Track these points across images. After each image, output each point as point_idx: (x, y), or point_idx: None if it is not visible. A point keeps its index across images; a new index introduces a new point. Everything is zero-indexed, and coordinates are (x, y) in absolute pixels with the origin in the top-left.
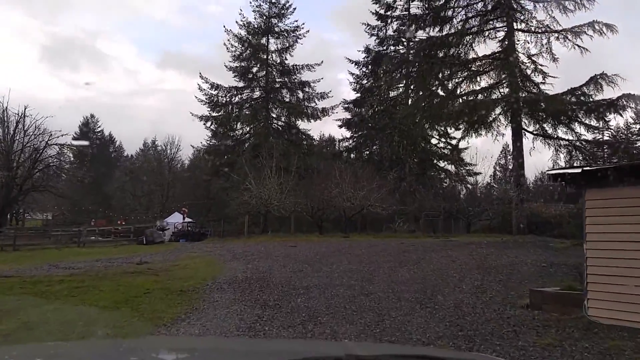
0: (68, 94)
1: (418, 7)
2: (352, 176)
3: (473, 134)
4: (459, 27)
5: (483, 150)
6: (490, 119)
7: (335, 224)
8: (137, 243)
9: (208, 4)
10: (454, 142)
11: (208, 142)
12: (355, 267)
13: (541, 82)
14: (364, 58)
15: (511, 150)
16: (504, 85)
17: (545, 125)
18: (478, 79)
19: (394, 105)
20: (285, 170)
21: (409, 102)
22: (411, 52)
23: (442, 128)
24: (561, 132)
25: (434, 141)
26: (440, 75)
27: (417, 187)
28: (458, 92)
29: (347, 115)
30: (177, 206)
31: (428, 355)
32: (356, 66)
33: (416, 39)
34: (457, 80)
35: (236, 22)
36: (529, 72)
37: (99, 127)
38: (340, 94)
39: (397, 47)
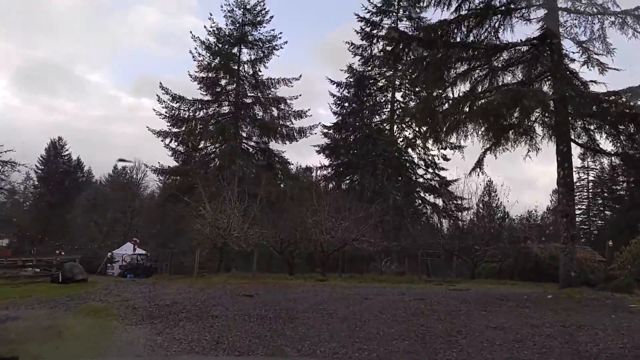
0: (41, 117)
1: (406, 27)
2: (332, 204)
3: (499, 146)
4: (481, 6)
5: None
6: (533, 118)
7: (309, 261)
8: (51, 281)
9: (186, 33)
10: (442, 173)
11: (169, 162)
12: (344, 353)
13: (591, 81)
14: (346, 79)
15: (557, 168)
16: (544, 81)
17: (597, 136)
18: (505, 75)
19: (378, 130)
20: (252, 196)
21: (395, 128)
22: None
23: (455, 139)
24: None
25: (420, 172)
26: (454, 70)
27: (403, 222)
28: (479, 90)
29: (326, 141)
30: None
31: None
32: (337, 87)
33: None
34: (476, 77)
35: (205, 27)
36: (575, 65)
37: (67, 150)
38: (318, 117)
39: (382, 70)
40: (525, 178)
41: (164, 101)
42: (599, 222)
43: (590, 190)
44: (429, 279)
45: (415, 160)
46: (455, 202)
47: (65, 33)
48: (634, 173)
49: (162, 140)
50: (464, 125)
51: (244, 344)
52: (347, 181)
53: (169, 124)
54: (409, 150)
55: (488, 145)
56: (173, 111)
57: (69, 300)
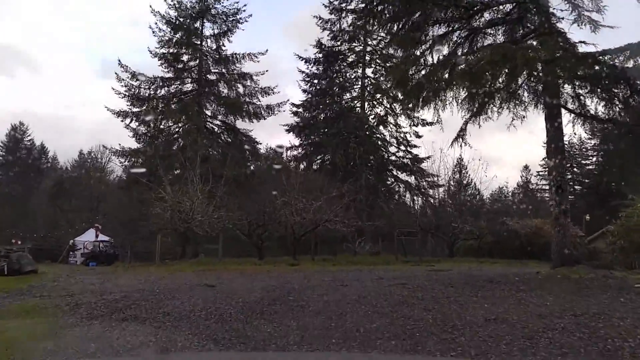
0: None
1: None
2: (303, 183)
3: (482, 114)
4: None
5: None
6: (519, 82)
7: (280, 244)
8: None
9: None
10: (414, 150)
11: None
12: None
13: (580, 42)
14: (315, 54)
15: (546, 136)
16: (530, 42)
17: (588, 102)
18: (486, 37)
19: (348, 108)
20: (219, 178)
21: (366, 106)
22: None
23: (433, 109)
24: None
25: (392, 149)
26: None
27: (376, 201)
28: (459, 53)
29: (296, 120)
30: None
31: None
32: (306, 64)
33: None
34: (455, 40)
35: (165, 0)
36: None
37: (29, 136)
38: (287, 96)
39: (352, 45)
40: (493, 155)
41: (123, 79)
42: (570, 197)
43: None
44: (405, 259)
45: (387, 138)
46: (427, 179)
47: (26, 14)
48: (628, 140)
49: (122, 121)
50: (442, 94)
51: (195, 350)
52: (319, 161)
53: (128, 104)
54: (381, 127)
55: (470, 114)
56: (133, 90)
57: (5, 297)
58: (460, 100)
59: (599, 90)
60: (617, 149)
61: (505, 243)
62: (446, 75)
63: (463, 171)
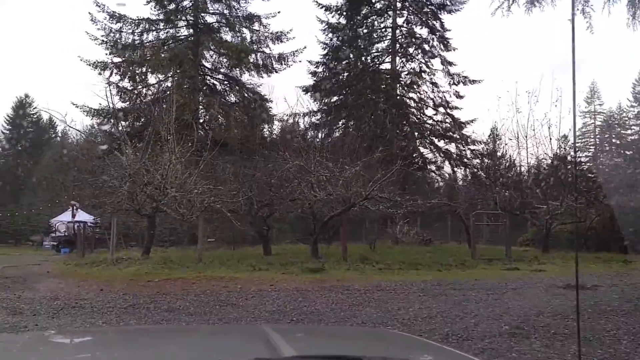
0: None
1: None
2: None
3: None
4: None
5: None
6: None
7: (293, 227)
8: None
9: None
10: (455, 113)
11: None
12: None
13: None
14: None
15: None
16: None
17: None
18: None
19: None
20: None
21: (397, 60)
22: None
23: None
24: None
25: (429, 112)
26: None
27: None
28: None
29: (315, 80)
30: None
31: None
32: (326, 12)
33: None
34: None
35: None
36: None
37: (35, 108)
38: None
39: None
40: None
41: (100, 21)
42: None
43: (597, 137)
44: (482, 257)
45: (423, 98)
46: (469, 147)
47: None
48: None
49: (99, 74)
50: None
51: None
52: (341, 126)
53: (107, 52)
54: (415, 87)
55: None
56: (112, 34)
57: None
58: None
59: None
60: None
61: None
62: None
63: (497, 141)
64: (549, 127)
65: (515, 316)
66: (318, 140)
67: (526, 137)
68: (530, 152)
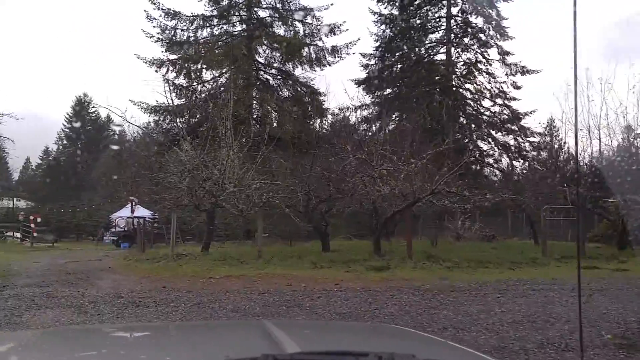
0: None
1: None
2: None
3: None
4: None
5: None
6: None
7: (348, 222)
8: None
9: None
10: (512, 104)
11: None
12: None
13: None
14: None
15: None
16: None
17: None
18: None
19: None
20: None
21: (452, 51)
22: None
23: None
24: None
25: (486, 104)
26: None
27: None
28: None
29: (367, 73)
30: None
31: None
32: (378, 3)
33: None
34: None
35: None
36: None
37: (93, 107)
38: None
39: None
40: None
41: (155, 18)
42: None
43: None
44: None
45: (480, 89)
46: (528, 140)
47: None
48: None
49: (156, 71)
50: None
51: None
52: (395, 119)
53: (163, 49)
54: (471, 77)
55: None
56: (168, 32)
57: None
58: None
59: None
60: None
61: None
62: None
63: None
64: (624, 117)
65: (613, 323)
66: (374, 133)
67: (599, 128)
68: (605, 144)
